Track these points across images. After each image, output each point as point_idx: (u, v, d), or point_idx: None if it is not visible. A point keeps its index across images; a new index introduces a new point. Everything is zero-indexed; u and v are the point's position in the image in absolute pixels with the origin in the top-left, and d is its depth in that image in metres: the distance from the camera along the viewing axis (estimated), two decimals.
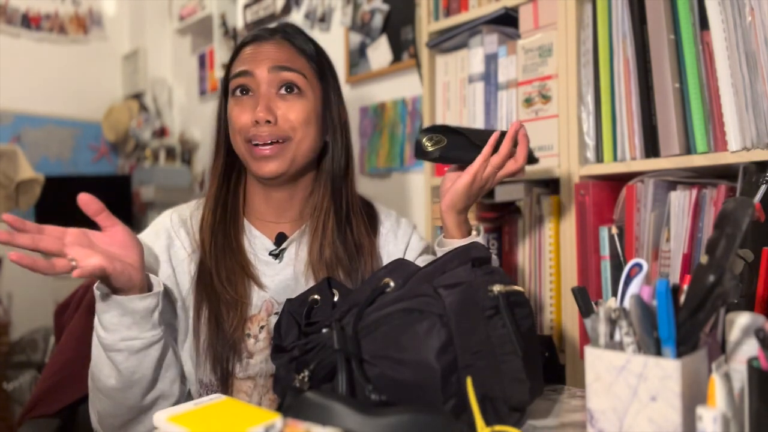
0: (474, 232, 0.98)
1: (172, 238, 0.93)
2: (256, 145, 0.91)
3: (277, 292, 0.94)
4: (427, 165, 1.63)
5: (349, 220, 0.99)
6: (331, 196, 0.98)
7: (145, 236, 0.94)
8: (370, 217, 1.04)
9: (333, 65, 1.02)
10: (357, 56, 2.45)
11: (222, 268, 0.90)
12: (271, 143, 0.91)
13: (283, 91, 0.93)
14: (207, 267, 0.91)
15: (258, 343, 0.90)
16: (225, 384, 0.89)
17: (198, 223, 0.96)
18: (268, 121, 0.90)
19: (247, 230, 0.99)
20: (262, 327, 0.91)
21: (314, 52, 0.98)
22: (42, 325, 3.31)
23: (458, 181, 0.93)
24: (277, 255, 0.96)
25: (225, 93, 0.99)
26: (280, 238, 0.95)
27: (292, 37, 0.97)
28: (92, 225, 0.78)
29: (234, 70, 0.95)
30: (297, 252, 0.98)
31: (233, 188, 0.99)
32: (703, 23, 1.10)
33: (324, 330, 0.75)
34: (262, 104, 0.91)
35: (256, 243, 0.98)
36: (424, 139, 0.95)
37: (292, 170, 0.94)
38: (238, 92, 0.94)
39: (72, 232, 0.74)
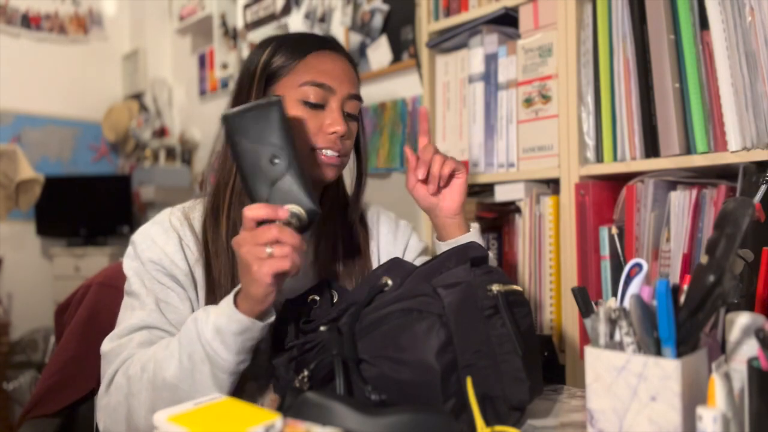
0: (473, 228, 0.98)
1: (180, 236, 0.93)
2: (325, 153, 0.93)
3: (280, 293, 0.94)
4: None
5: (346, 218, 1.00)
6: (339, 200, 1.01)
7: (155, 234, 0.91)
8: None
9: None
10: (357, 56, 2.45)
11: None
12: (339, 155, 0.95)
13: (347, 114, 0.96)
14: (215, 275, 0.91)
15: (260, 343, 0.90)
16: None
17: (199, 222, 0.95)
18: (343, 136, 0.94)
19: None
20: None
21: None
22: (42, 325, 3.31)
23: (457, 183, 0.94)
24: None
25: (263, 85, 0.94)
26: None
27: (353, 62, 1.01)
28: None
29: (309, 77, 0.93)
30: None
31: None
32: (703, 23, 1.10)
33: (322, 328, 0.75)
34: (342, 120, 0.93)
35: None
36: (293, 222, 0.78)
37: None
38: (312, 98, 0.92)
39: None
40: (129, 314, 0.89)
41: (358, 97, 0.97)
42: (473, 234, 0.95)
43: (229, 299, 0.78)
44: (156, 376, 0.79)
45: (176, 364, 0.78)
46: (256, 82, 0.94)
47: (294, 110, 0.92)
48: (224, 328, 0.76)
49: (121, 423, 0.82)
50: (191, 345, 0.77)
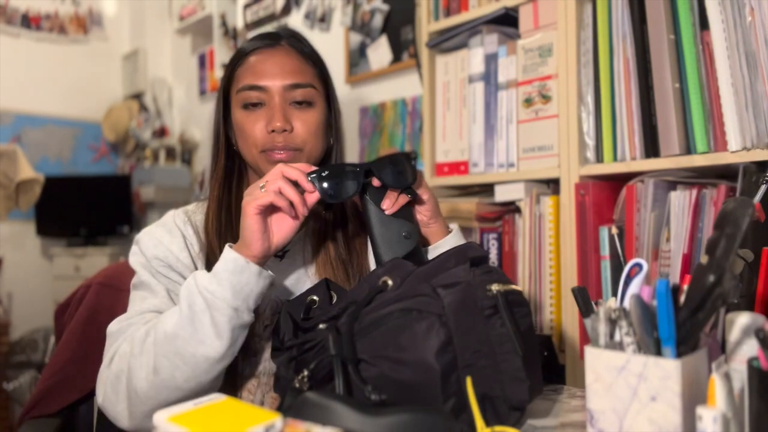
0: (452, 228, 0.96)
1: (184, 235, 0.94)
2: (272, 151, 0.93)
3: (282, 292, 0.94)
4: (427, 165, 1.63)
5: (344, 218, 1.00)
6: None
7: (160, 235, 0.93)
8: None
9: (330, 74, 1.04)
10: (357, 56, 2.45)
11: None
12: (286, 152, 0.93)
13: (295, 103, 0.95)
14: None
15: (262, 342, 0.91)
16: (230, 382, 0.89)
17: (201, 223, 0.96)
18: (285, 130, 0.92)
19: None
20: (266, 326, 0.91)
21: (318, 58, 1.00)
22: (42, 325, 3.31)
23: (425, 190, 0.91)
24: (282, 255, 0.97)
25: (225, 97, 0.99)
26: None
27: (298, 43, 0.98)
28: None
29: (243, 82, 0.95)
30: (303, 252, 0.98)
31: (235, 192, 0.99)
32: (703, 23, 1.10)
33: (321, 326, 0.75)
34: (278, 114, 0.92)
35: None
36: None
37: None
38: (250, 106, 0.94)
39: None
40: (139, 303, 0.89)
41: (303, 85, 0.95)
42: (454, 234, 0.94)
43: (225, 248, 0.80)
44: (158, 332, 0.79)
45: (177, 316, 0.79)
46: (221, 100, 0.99)
47: (238, 116, 0.95)
48: (219, 269, 0.78)
49: (122, 391, 0.81)
50: (191, 297, 0.78)
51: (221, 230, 0.94)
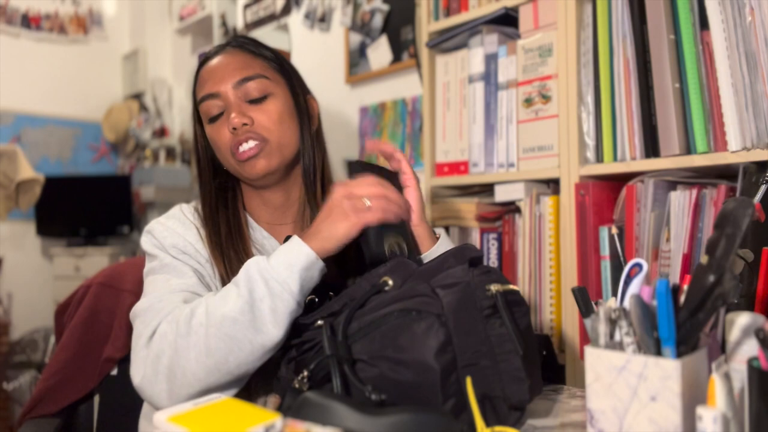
0: (440, 235, 0.96)
1: (196, 227, 0.94)
2: (238, 148, 0.92)
3: None
4: (427, 165, 1.63)
5: None
6: (312, 195, 1.00)
7: (173, 226, 0.93)
8: None
9: (293, 65, 1.03)
10: (357, 56, 2.45)
11: None
12: (253, 143, 0.92)
13: (253, 101, 0.95)
14: (226, 280, 0.91)
15: None
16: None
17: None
18: (245, 124, 0.92)
19: (257, 233, 0.99)
20: None
21: (269, 52, 1.00)
22: (42, 325, 3.32)
23: (413, 196, 0.92)
24: None
25: (198, 119, 1.00)
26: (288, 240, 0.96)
27: (242, 44, 0.99)
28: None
29: (200, 94, 0.96)
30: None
31: (231, 204, 0.99)
32: (703, 23, 1.10)
33: (319, 322, 0.75)
34: (234, 111, 0.92)
35: (266, 244, 0.99)
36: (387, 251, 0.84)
37: (282, 165, 0.95)
38: (212, 111, 0.95)
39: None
40: (162, 284, 0.87)
41: (252, 76, 0.94)
42: (443, 241, 0.94)
43: (296, 241, 0.80)
44: (212, 314, 0.77)
45: (234, 299, 0.77)
46: (195, 119, 1.01)
47: (208, 132, 0.97)
48: (292, 261, 0.77)
49: (163, 371, 0.78)
50: (252, 282, 0.77)
51: (222, 245, 0.93)
